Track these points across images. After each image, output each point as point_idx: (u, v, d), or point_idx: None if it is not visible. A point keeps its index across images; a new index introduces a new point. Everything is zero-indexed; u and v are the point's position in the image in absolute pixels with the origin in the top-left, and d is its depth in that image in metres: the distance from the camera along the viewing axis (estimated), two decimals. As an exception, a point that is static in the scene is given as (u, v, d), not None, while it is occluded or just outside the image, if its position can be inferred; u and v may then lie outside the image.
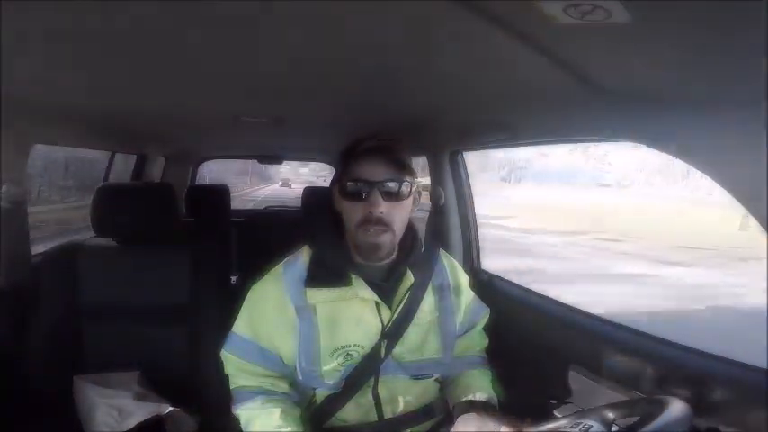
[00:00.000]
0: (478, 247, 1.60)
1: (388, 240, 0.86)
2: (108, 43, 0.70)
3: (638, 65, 0.63)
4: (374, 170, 0.84)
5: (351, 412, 0.91)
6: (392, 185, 0.84)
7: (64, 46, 0.72)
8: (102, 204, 1.27)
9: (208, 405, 1.24)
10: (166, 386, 1.25)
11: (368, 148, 0.85)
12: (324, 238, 0.92)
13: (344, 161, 0.88)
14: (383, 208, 0.83)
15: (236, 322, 0.93)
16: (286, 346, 0.89)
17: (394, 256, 0.92)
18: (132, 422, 1.12)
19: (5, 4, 0.54)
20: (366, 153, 0.85)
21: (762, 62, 0.48)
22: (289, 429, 0.84)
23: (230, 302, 1.00)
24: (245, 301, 0.94)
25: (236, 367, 0.92)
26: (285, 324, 0.88)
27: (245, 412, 0.89)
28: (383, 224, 0.84)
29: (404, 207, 0.87)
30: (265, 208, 3.52)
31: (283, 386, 0.92)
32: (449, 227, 1.59)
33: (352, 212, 0.86)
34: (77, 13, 0.58)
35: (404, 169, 0.86)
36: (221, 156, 3.30)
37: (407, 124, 1.35)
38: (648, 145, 0.76)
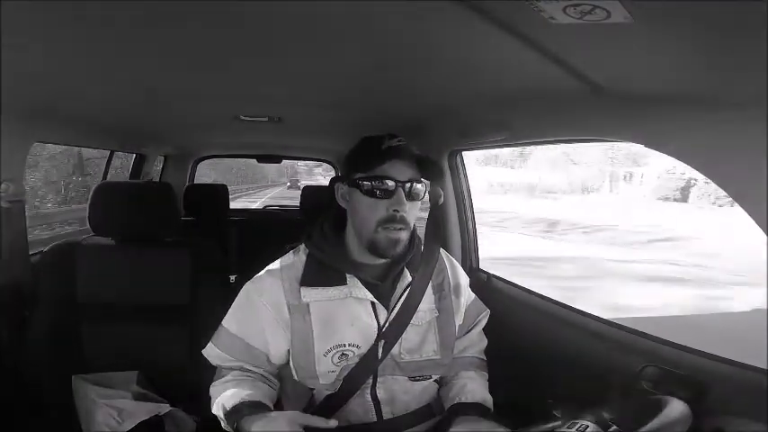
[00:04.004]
0: (477, 247, 1.60)
1: (406, 237, 0.88)
2: (108, 43, 0.70)
3: (638, 65, 0.63)
4: (400, 170, 0.85)
5: (349, 413, 0.90)
6: (415, 186, 0.86)
7: (64, 45, 0.72)
8: (101, 203, 1.27)
9: (208, 405, 1.24)
10: (166, 386, 1.25)
11: (392, 148, 0.86)
12: (321, 236, 0.92)
13: (362, 159, 0.88)
14: (407, 207, 0.85)
15: (226, 316, 0.94)
16: (276, 344, 0.89)
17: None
18: (132, 422, 1.11)
19: (5, 4, 0.54)
20: (391, 153, 0.86)
21: (762, 62, 0.48)
22: (257, 397, 0.84)
23: (229, 302, 1.00)
24: (239, 296, 0.93)
25: (220, 359, 0.93)
26: (276, 322, 0.88)
27: (216, 387, 0.90)
28: (404, 222, 0.86)
29: (417, 206, 0.90)
30: (264, 208, 3.52)
31: (262, 370, 0.92)
32: (448, 226, 1.59)
33: (373, 210, 0.85)
34: (77, 12, 0.58)
35: (423, 169, 0.88)
36: (220, 155, 3.30)
37: (407, 124, 1.35)
38: (647, 145, 0.76)
